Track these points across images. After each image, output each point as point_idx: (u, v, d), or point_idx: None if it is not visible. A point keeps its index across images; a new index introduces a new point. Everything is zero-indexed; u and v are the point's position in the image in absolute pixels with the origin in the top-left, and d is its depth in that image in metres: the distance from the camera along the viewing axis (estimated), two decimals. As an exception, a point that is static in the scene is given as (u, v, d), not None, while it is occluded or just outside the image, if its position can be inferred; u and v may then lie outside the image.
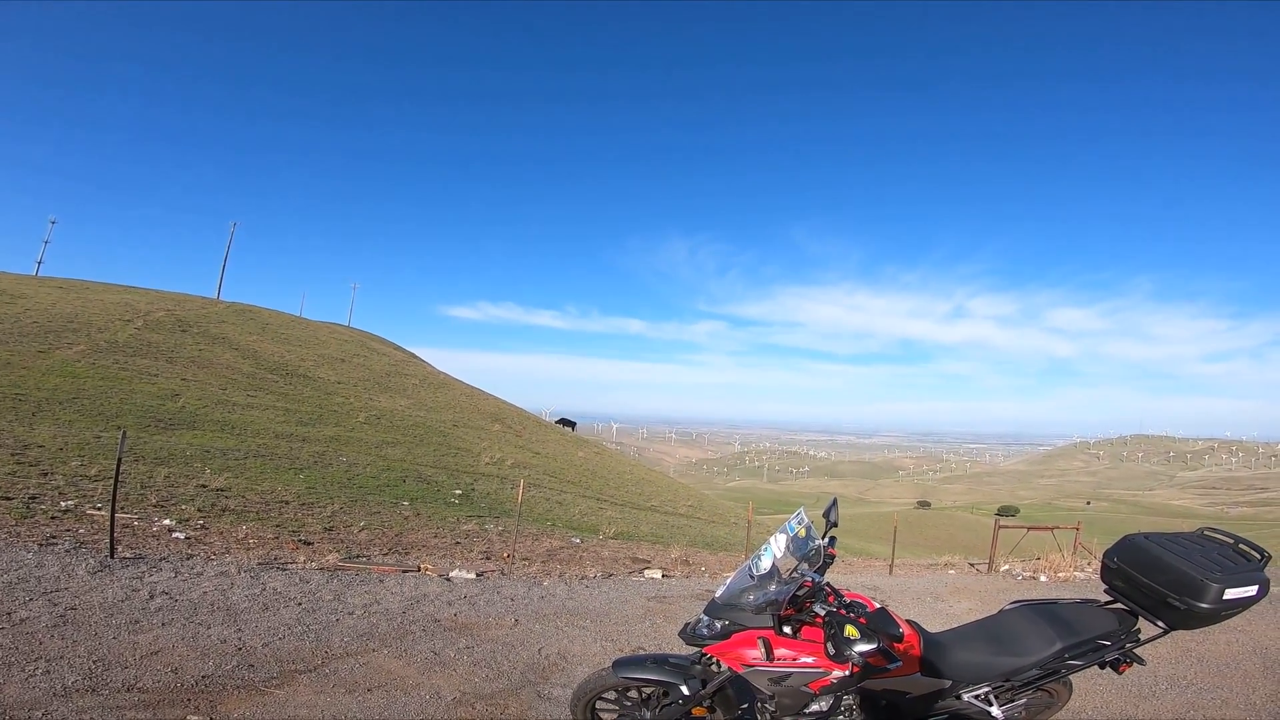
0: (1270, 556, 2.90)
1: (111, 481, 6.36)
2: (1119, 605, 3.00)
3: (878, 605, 2.72)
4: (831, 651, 2.42)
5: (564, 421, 69.89)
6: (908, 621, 2.84)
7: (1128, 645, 2.91)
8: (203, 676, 3.96)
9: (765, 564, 2.74)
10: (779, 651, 2.58)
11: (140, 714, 3.47)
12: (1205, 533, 3.06)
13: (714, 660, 2.79)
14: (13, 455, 9.02)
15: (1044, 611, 3.01)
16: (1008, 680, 2.83)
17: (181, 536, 6.99)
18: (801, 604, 2.66)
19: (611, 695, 3.15)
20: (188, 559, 6.22)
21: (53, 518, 6.86)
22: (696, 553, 12.79)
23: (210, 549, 6.75)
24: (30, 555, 5.59)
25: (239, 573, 6.00)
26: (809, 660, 2.55)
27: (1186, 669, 5.07)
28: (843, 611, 2.58)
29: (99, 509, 7.31)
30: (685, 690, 2.82)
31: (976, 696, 2.83)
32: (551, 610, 6.26)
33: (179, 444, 12.07)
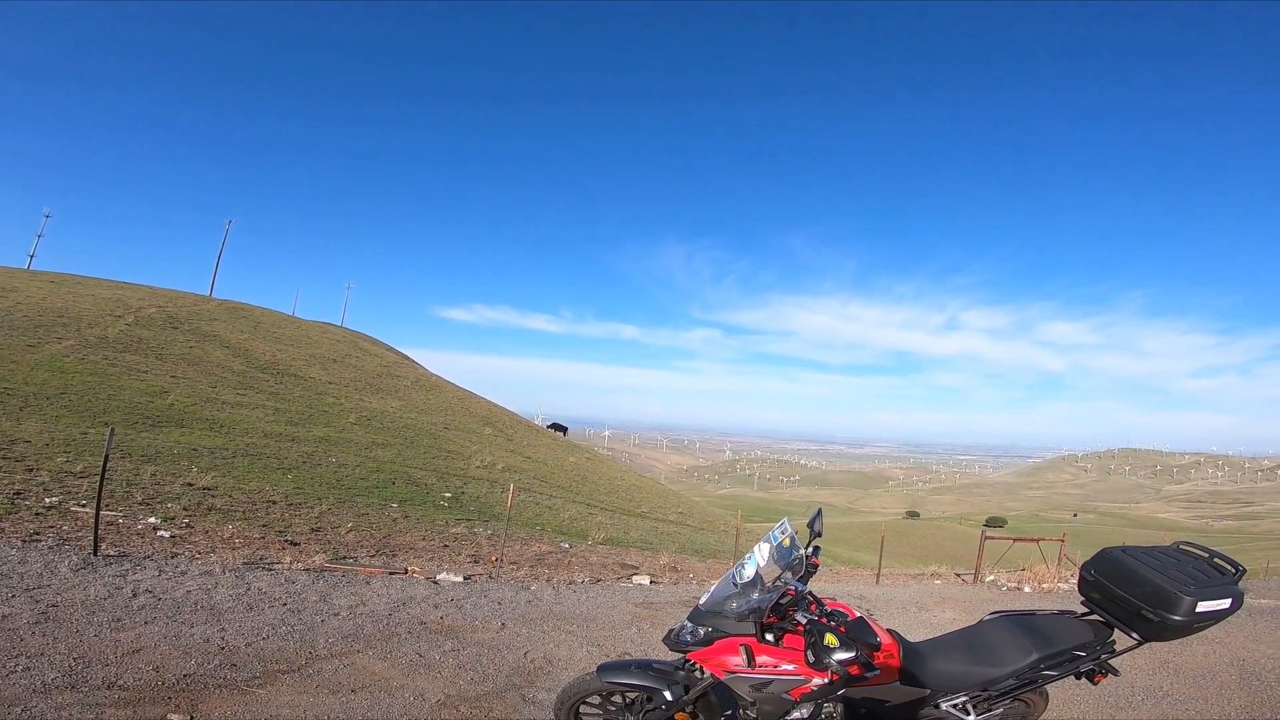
0: (1244, 570, 2.93)
1: (97, 478, 6.32)
2: (1095, 617, 3.04)
3: (858, 614, 2.75)
4: (812, 659, 2.45)
5: (556, 426, 69.79)
6: (888, 631, 2.87)
7: (1103, 656, 2.95)
8: (184, 675, 3.94)
9: (748, 572, 2.77)
10: (760, 659, 2.61)
11: (120, 711, 3.45)
12: (1181, 547, 3.11)
13: (697, 666, 2.81)
14: (-3, 450, 8.95)
15: (1021, 622, 3.05)
16: (985, 690, 2.86)
17: (166, 535, 6.95)
18: (784, 612, 2.68)
19: (596, 700, 3.16)
20: (172, 557, 6.18)
21: (37, 514, 6.81)
22: (685, 559, 12.80)
23: (195, 548, 6.71)
24: (13, 552, 5.55)
25: (224, 572, 5.97)
26: (790, 668, 2.58)
27: (1163, 680, 5.12)
28: (824, 620, 2.61)
29: (84, 506, 7.25)
30: (668, 696, 2.83)
31: (955, 706, 2.86)
32: (538, 614, 6.26)
33: (166, 442, 11.99)
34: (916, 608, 7.73)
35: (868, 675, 2.45)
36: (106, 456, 6.40)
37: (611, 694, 3.12)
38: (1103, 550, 3.14)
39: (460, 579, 7.18)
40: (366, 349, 39.35)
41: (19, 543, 5.80)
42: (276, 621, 5.01)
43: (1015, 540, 12.33)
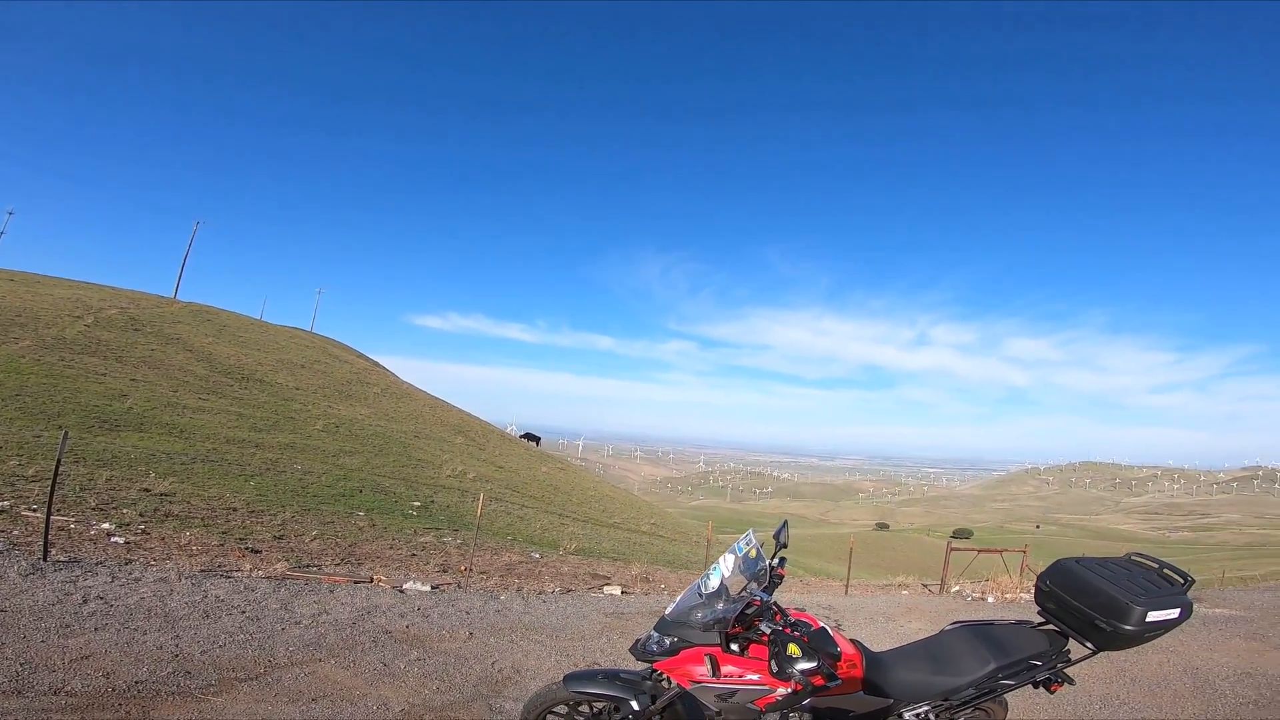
0: (1194, 581, 3.02)
1: (49, 482, 6.09)
2: (1051, 627, 3.09)
3: (821, 625, 2.78)
4: (775, 669, 2.46)
5: (528, 436, 69.25)
6: (851, 641, 2.90)
7: (1058, 665, 2.99)
8: (136, 682, 3.81)
9: (714, 583, 2.78)
10: (726, 669, 2.62)
11: (68, 717, 3.33)
12: (1133, 558, 3.17)
13: (664, 676, 2.80)
14: (-59, 453, 8.57)
15: (980, 632, 3.09)
16: (946, 699, 2.89)
17: (120, 541, 6.72)
18: (749, 622, 2.70)
19: (562, 709, 3.12)
20: (126, 564, 5.98)
21: (-17, 519, 6.53)
22: (657, 570, 12.77)
23: (150, 554, 6.50)
24: (-44, 557, 5.32)
25: (180, 579, 5.79)
26: (754, 678, 2.59)
27: (1119, 688, 5.22)
28: (788, 630, 2.62)
29: (35, 511, 6.99)
30: (635, 705, 2.81)
31: (917, 715, 2.89)
32: (507, 624, 6.19)
33: (124, 446, 11.62)
34: (884, 618, 7.82)
35: (830, 685, 2.45)
36: (59, 460, 6.18)
37: (579, 704, 3.08)
38: (1057, 561, 3.20)
39: (428, 588, 7.07)
40: (336, 355, 38.67)
41: (-38, 548, 5.55)
42: (234, 629, 4.88)
43: (979, 551, 12.58)
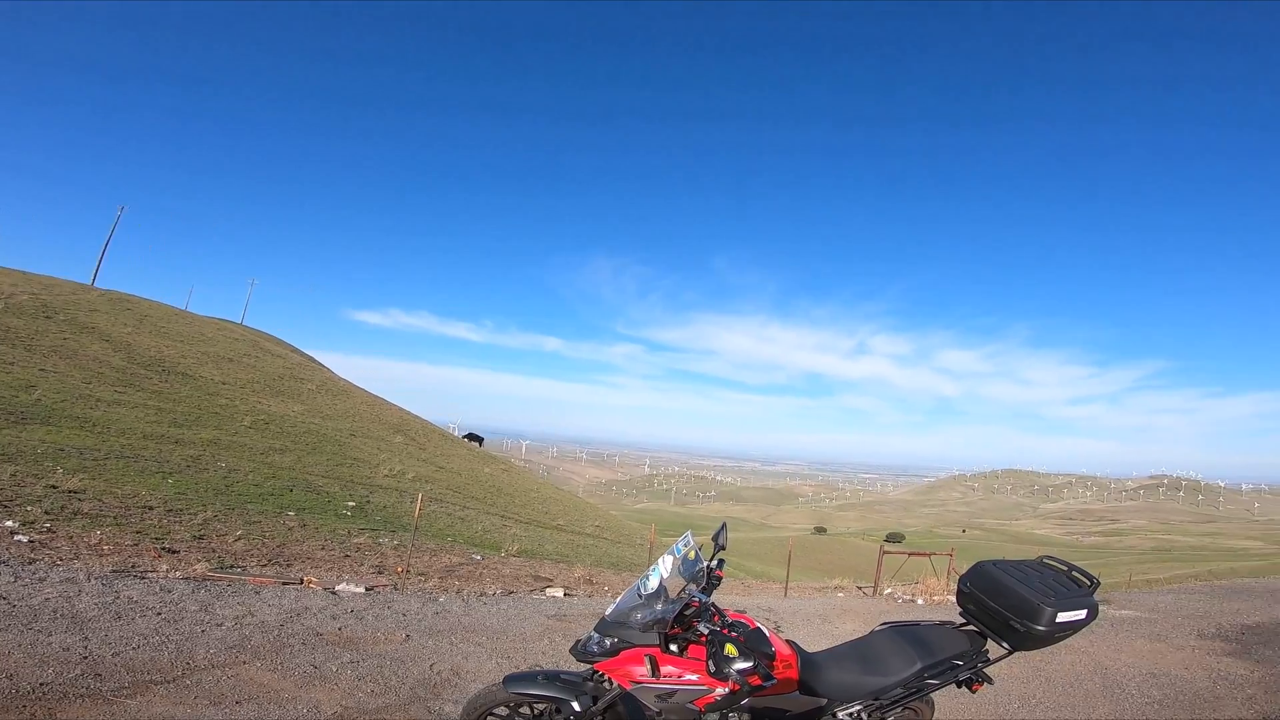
0: (1099, 583, 3.20)
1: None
2: (971, 627, 3.22)
3: (758, 625, 2.84)
4: (713, 669, 2.50)
5: (471, 436, 67.85)
6: (787, 642, 2.96)
7: (978, 665, 3.12)
8: (40, 684, 3.55)
9: (653, 584, 2.81)
10: (665, 669, 2.64)
11: (-40, 726, 3.06)
12: (1044, 561, 3.32)
13: (605, 677, 2.80)
14: None
15: (907, 633, 3.20)
16: (877, 699, 2.97)
17: (25, 539, 6.22)
18: (688, 623, 2.73)
19: (503, 711, 3.08)
20: (30, 563, 5.54)
21: None
22: (600, 572, 12.73)
23: (57, 554, 6.04)
24: None
25: (89, 580, 5.40)
26: (694, 678, 2.62)
27: (1036, 688, 5.44)
28: (725, 631, 2.66)
29: (-80, 507, 6.39)
30: (576, 707, 2.78)
31: (850, 714, 2.96)
32: (446, 626, 6.05)
33: (30, 440, 10.75)
34: (820, 619, 8.02)
35: (767, 684, 2.50)
36: (-48, 451, 5.68)
37: (519, 705, 3.05)
38: (977, 564, 3.32)
39: (362, 590, 6.84)
40: (268, 349, 36.92)
41: None
42: (149, 631, 4.58)
43: (910, 555, 13.05)
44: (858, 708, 2.95)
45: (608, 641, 2.75)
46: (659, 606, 2.72)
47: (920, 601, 9.97)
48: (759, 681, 2.45)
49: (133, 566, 6.15)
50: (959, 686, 3.11)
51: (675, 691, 2.63)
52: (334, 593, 6.55)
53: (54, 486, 8.50)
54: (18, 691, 3.44)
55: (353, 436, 24.11)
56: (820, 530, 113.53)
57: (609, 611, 2.86)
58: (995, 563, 3.26)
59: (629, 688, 2.67)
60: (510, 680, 2.97)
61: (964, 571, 3.31)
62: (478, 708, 3.04)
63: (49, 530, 6.80)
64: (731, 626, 2.73)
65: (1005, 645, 3.05)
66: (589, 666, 2.86)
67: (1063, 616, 2.87)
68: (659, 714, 2.67)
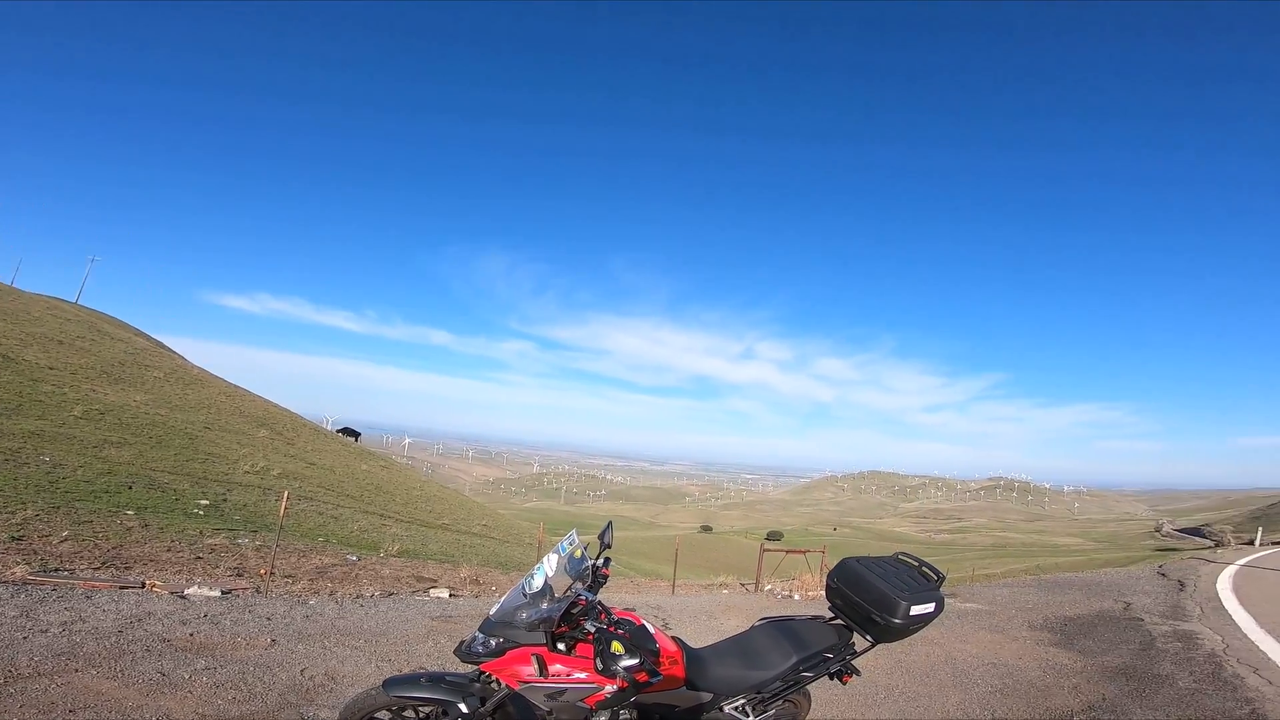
0: (945, 577, 3.39)
1: None
2: (839, 621, 3.35)
3: (643, 622, 2.83)
4: (600, 666, 2.46)
5: (347, 431, 63.98)
6: (673, 639, 2.97)
7: (847, 657, 3.26)
8: None
9: (538, 582, 2.74)
10: (553, 668, 2.58)
11: None
12: (899, 557, 3.49)
13: (493, 678, 2.70)
14: None
15: (783, 628, 3.29)
16: (759, 692, 3.04)
17: None
18: (575, 621, 2.69)
19: (384, 716, 2.89)
20: None
21: None
22: (488, 572, 12.32)
23: None
24: None
25: None
26: (582, 676, 2.57)
27: (899, 679, 5.75)
28: (612, 628, 2.64)
29: None
30: (464, 708, 2.67)
31: (736, 708, 3.01)
32: (318, 630, 5.56)
33: None
34: (706, 616, 8.16)
35: (654, 680, 2.51)
36: None
37: (403, 709, 2.87)
38: (842, 560, 3.46)
39: (217, 593, 6.13)
40: (108, 332, 32.58)
41: None
42: (-48, 642, 3.83)
43: (787, 552, 13.72)
44: (742, 701, 3.00)
45: (493, 642, 2.65)
46: (544, 605, 2.65)
47: (797, 597, 10.47)
48: (646, 678, 2.45)
49: (-80, 573, 5.14)
50: (831, 679, 3.23)
51: (565, 690, 2.57)
52: (183, 597, 5.83)
53: None
54: None
55: (208, 430, 21.78)
56: (707, 529, 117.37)
57: (493, 611, 2.75)
58: (858, 559, 3.42)
59: (517, 688, 2.59)
60: (391, 683, 2.79)
61: (832, 567, 3.44)
62: (356, 712, 2.83)
63: None
64: (618, 624, 2.71)
65: (868, 638, 3.20)
66: (475, 668, 2.75)
67: (915, 610, 3.03)
68: (549, 713, 2.61)
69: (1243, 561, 16.61)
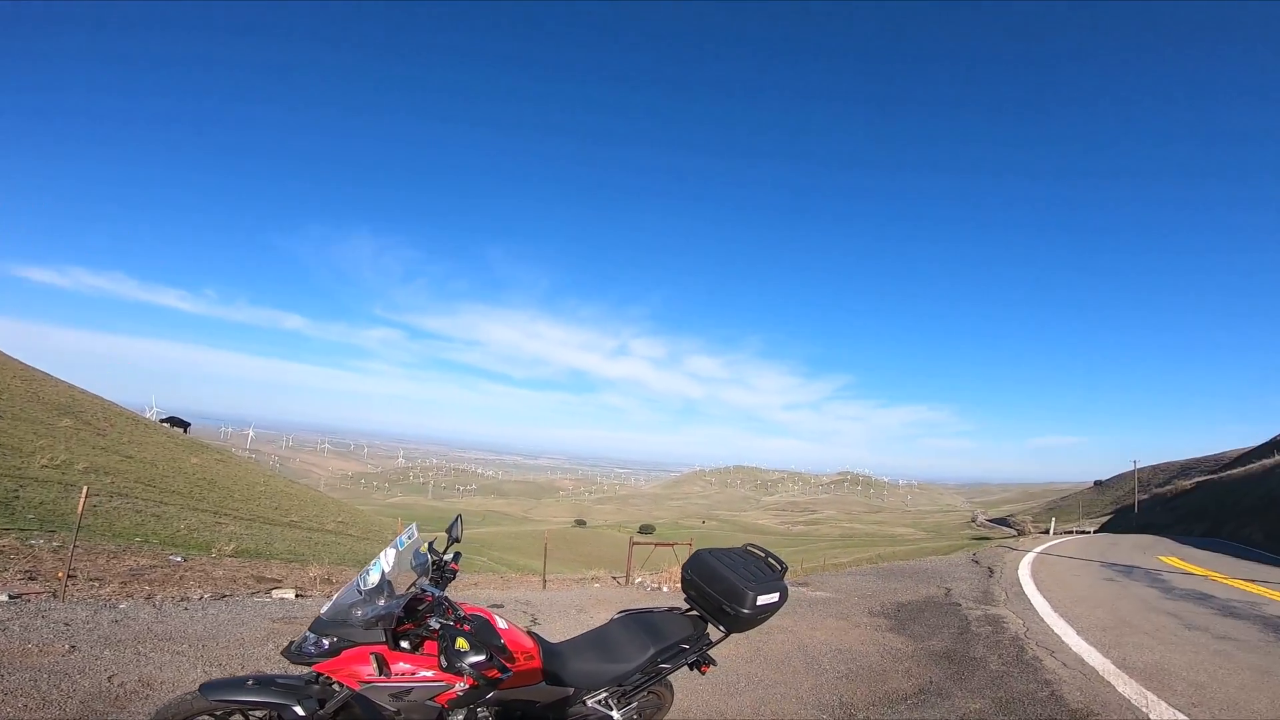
0: (787, 567, 3.58)
1: None
2: (695, 612, 3.45)
3: (495, 618, 2.79)
4: (444, 664, 2.40)
5: (174, 421, 57.73)
6: (529, 633, 2.94)
7: (702, 648, 3.35)
8: None
9: (373, 579, 2.60)
10: (396, 667, 2.47)
11: None
12: (748, 548, 3.60)
13: (333, 679, 2.53)
14: None
15: (641, 620, 3.34)
16: (620, 685, 3.06)
17: None
18: (422, 619, 2.59)
19: None
20: None
21: None
22: (342, 570, 11.49)
23: None
24: None
25: None
26: (428, 674, 2.48)
27: (758, 667, 5.92)
28: (458, 624, 2.58)
29: None
30: (300, 711, 2.49)
31: (599, 702, 3.01)
32: (130, 635, 4.90)
33: None
34: (576, 610, 8.06)
35: (505, 677, 2.46)
36: None
37: (229, 714, 2.61)
38: (696, 552, 3.53)
39: (4, 598, 5.22)
40: None
41: None
42: None
43: (656, 545, 14.03)
44: (604, 695, 3.01)
45: (326, 641, 2.48)
46: (381, 602, 2.52)
47: (666, 589, 10.62)
48: (496, 674, 2.41)
49: None
50: (691, 669, 3.30)
51: (411, 689, 2.46)
52: (-48, 607, 4.90)
53: None
54: None
55: (-4, 415, 18.46)
56: (581, 523, 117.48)
57: (325, 610, 2.58)
58: (710, 551, 3.53)
59: (358, 688, 2.44)
60: (209, 687, 2.52)
61: (686, 560, 3.52)
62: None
63: None
64: (466, 620, 2.63)
65: (721, 628, 3.28)
66: (308, 669, 2.56)
67: (762, 599, 3.13)
68: (397, 713, 2.48)
69: (1040, 549, 18.85)
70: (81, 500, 7.76)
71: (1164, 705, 4.90)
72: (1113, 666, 5.98)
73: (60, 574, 6.68)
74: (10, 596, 5.32)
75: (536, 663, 2.80)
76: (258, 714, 2.59)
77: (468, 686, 2.44)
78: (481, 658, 2.36)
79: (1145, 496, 55.89)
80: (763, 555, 3.51)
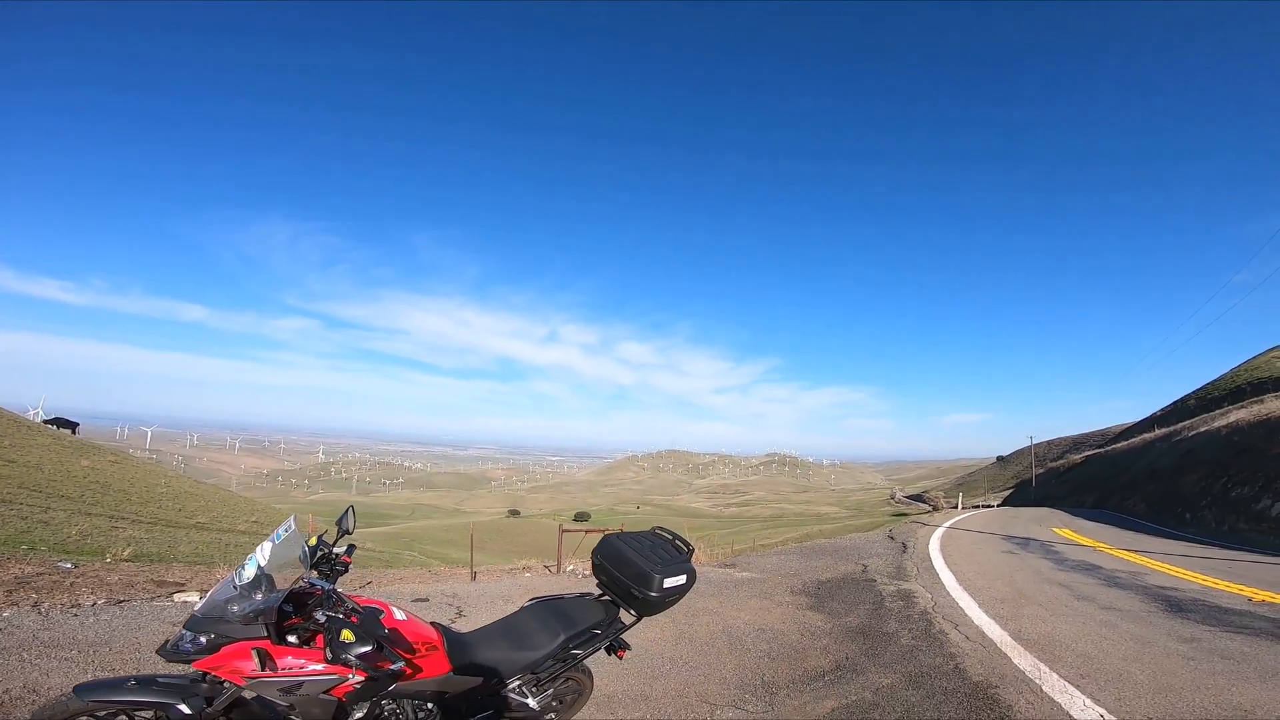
0: (694, 549, 3.60)
1: None
2: (606, 597, 3.40)
3: (393, 609, 2.78)
4: (330, 656, 2.39)
5: (60, 422, 53.93)
6: (432, 624, 2.92)
7: (615, 633, 3.30)
8: None
9: (249, 573, 2.54)
10: (283, 661, 2.43)
11: None
12: (656, 531, 3.61)
13: (221, 678, 2.46)
14: None
15: (552, 607, 3.33)
16: (534, 673, 3.06)
17: None
18: (309, 612, 2.56)
19: None
20: None
21: None
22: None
23: None
24: None
25: None
26: (319, 668, 2.44)
27: (682, 649, 5.91)
28: (349, 617, 2.55)
29: None
30: (186, 710, 2.40)
31: (514, 690, 3.01)
32: (13, 643, 4.56)
33: None
34: (504, 601, 7.84)
35: (396, 667, 2.46)
36: None
37: (113, 715, 2.48)
38: (605, 537, 3.55)
39: None
40: None
41: None
42: None
43: (586, 532, 14.05)
44: (518, 682, 3.00)
45: (203, 639, 2.41)
46: (259, 597, 2.46)
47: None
48: (388, 665, 2.41)
49: None
50: (608, 654, 3.32)
51: (301, 683, 2.41)
52: None
53: None
54: None
55: None
56: (514, 513, 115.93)
57: (199, 607, 2.52)
58: (619, 535, 3.52)
59: (243, 685, 2.39)
60: (85, 689, 2.40)
61: (596, 545, 3.52)
62: None
63: None
64: (356, 612, 2.59)
65: (632, 613, 3.29)
66: (189, 667, 2.47)
67: (669, 582, 3.14)
68: (291, 708, 2.44)
69: (949, 524, 19.58)
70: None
71: (1055, 676, 5.08)
72: (1009, 639, 6.16)
73: (-77, 587, 6.06)
74: None
75: (440, 654, 2.78)
76: (143, 714, 2.49)
77: (361, 679, 2.42)
78: (368, 648, 2.35)
79: (1041, 470, 60.23)
80: (670, 538, 3.54)
